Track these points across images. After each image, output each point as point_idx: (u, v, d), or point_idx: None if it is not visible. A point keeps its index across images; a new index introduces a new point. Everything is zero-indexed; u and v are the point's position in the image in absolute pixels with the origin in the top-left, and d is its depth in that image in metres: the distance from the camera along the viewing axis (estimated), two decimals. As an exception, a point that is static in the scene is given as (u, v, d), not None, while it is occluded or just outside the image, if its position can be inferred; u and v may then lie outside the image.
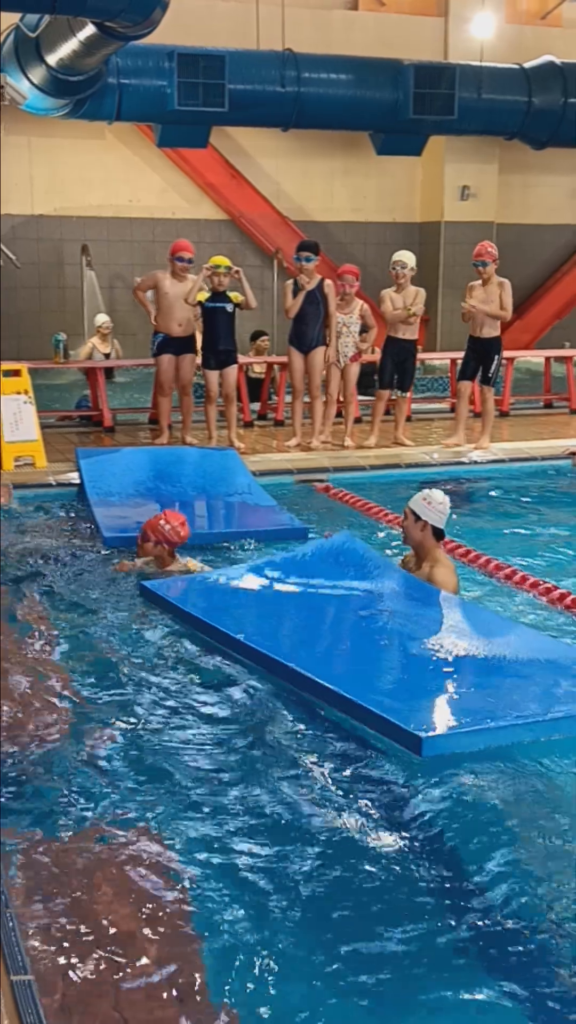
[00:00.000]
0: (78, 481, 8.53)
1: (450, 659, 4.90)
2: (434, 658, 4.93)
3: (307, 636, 5.45)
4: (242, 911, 3.27)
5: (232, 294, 9.87)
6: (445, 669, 4.82)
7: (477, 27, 14.90)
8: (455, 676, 4.78)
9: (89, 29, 9.69)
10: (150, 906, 3.26)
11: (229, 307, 9.88)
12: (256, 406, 12.15)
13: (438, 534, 5.78)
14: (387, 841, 3.67)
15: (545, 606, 6.11)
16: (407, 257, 10.20)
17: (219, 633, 5.28)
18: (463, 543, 7.15)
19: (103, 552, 6.91)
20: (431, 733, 4.13)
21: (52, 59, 10.65)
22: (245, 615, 5.55)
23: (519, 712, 4.33)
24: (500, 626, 5.42)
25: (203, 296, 9.80)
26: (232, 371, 10.01)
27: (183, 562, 6.47)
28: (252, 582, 6.02)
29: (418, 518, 5.71)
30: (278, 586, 5.97)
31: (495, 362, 10.05)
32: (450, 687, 4.70)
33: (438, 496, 5.78)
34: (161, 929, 3.15)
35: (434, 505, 5.71)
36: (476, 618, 5.45)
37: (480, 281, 9.99)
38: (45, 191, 15.15)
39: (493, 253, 9.91)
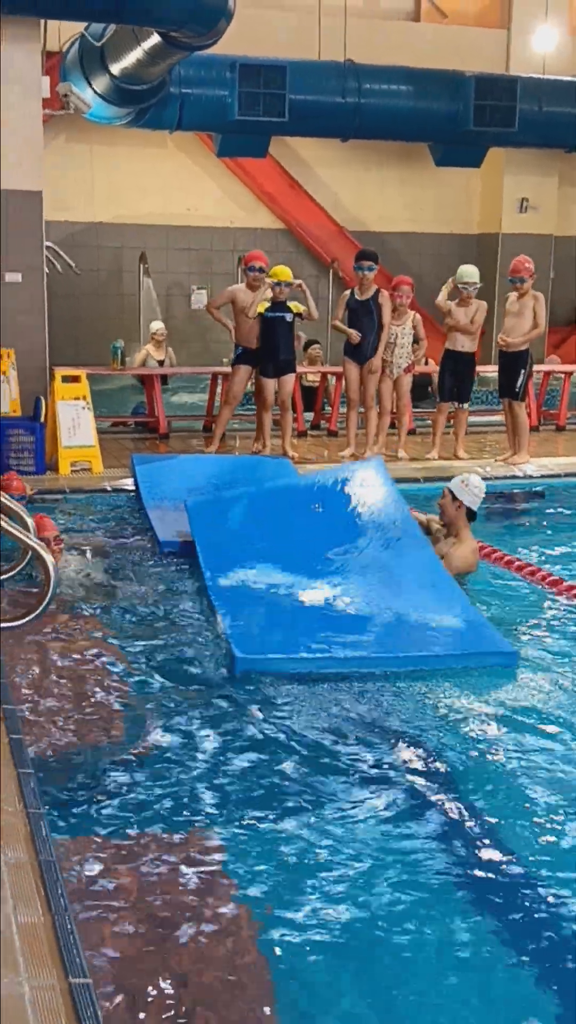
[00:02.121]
0: (133, 487, 8.58)
1: (331, 594, 5.82)
2: (321, 589, 5.86)
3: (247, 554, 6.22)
4: (300, 918, 3.29)
5: (292, 303, 9.88)
6: (315, 603, 5.75)
7: (539, 39, 14.84)
8: (317, 609, 5.68)
9: (154, 39, 9.77)
10: (206, 909, 3.27)
11: (289, 316, 9.95)
12: (309, 415, 12.16)
13: (470, 515, 6.43)
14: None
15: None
16: (475, 275, 10.14)
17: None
18: (511, 553, 7.12)
19: (158, 557, 6.95)
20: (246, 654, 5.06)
21: (116, 68, 10.74)
22: (221, 522, 6.59)
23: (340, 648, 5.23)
24: (421, 577, 6.02)
25: (264, 306, 9.87)
26: (290, 379, 10.05)
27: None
28: (258, 504, 6.90)
29: (455, 498, 6.39)
30: (270, 511, 6.78)
31: (521, 376, 9.97)
32: (301, 617, 5.60)
33: (475, 480, 6.47)
34: (218, 932, 3.17)
35: (470, 488, 6.41)
36: (399, 562, 6.16)
37: (515, 295, 9.94)
38: (106, 199, 15.29)
39: (530, 269, 9.86)
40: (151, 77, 11.00)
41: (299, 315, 9.96)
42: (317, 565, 6.19)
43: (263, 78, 12.72)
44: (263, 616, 5.67)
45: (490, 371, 13.78)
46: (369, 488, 6.88)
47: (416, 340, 10.30)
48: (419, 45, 15.16)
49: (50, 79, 10.41)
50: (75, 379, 9.57)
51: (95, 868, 3.44)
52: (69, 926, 2.92)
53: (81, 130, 14.08)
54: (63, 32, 11.36)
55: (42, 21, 9.84)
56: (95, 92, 11.39)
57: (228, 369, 12.13)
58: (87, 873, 3.41)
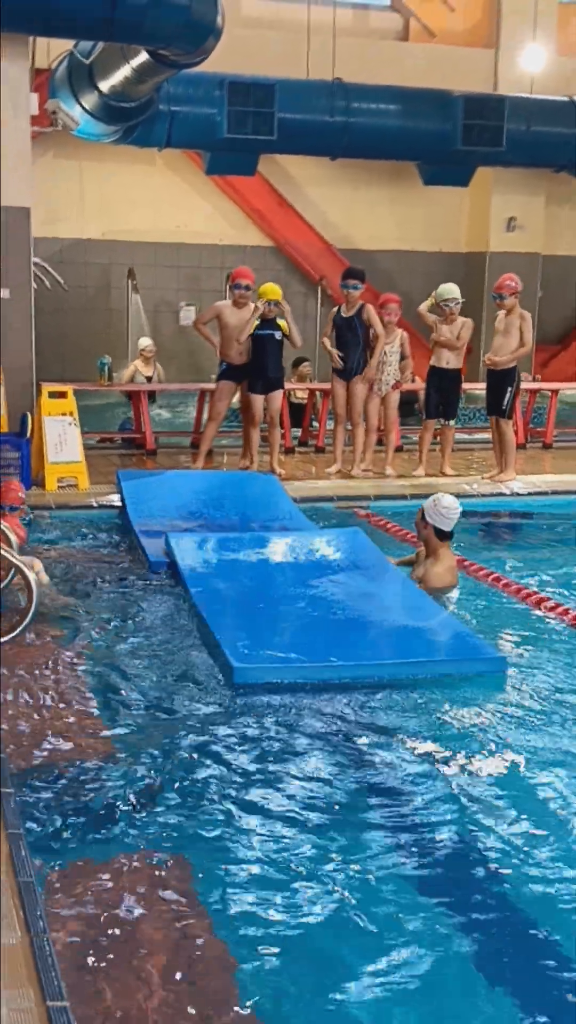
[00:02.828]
0: (120, 503, 8.56)
1: (321, 613, 6.02)
2: (310, 611, 6.05)
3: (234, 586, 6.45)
4: (274, 939, 3.26)
5: (281, 322, 9.91)
6: (308, 620, 5.93)
7: (527, 59, 14.93)
8: (309, 625, 5.85)
9: (142, 56, 9.80)
10: (183, 932, 3.24)
11: (278, 335, 9.94)
12: (297, 432, 12.16)
13: (442, 535, 6.45)
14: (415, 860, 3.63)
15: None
16: (455, 292, 10.16)
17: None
18: (498, 571, 7.12)
19: (146, 575, 6.92)
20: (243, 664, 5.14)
21: (105, 86, 10.77)
22: (207, 564, 6.74)
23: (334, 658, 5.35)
24: (400, 596, 6.26)
25: (253, 324, 9.87)
26: (278, 396, 10.06)
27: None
28: (239, 546, 7.12)
29: (424, 518, 6.43)
30: (252, 553, 7.01)
31: (508, 393, 9.98)
32: (295, 632, 5.74)
33: (444, 501, 6.49)
34: (194, 955, 3.13)
35: (439, 508, 6.44)
36: (383, 588, 6.42)
37: (503, 313, 9.96)
38: (94, 215, 15.31)
39: (512, 286, 9.85)
40: (139, 94, 11.04)
41: (287, 336, 9.97)
42: (300, 592, 6.36)
43: (252, 96, 12.78)
44: (255, 631, 5.72)
45: (478, 388, 13.83)
46: (353, 552, 7.06)
47: (402, 357, 10.32)
48: (408, 64, 15.24)
49: (39, 96, 10.42)
50: (62, 395, 9.54)
51: (74, 889, 3.40)
52: (47, 948, 2.89)
53: (70, 147, 14.11)
54: (52, 49, 11.38)
55: (31, 38, 9.86)
56: (83, 109, 11.42)
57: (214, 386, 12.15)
58: (66, 894, 3.37)
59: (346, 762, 4.43)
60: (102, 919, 3.27)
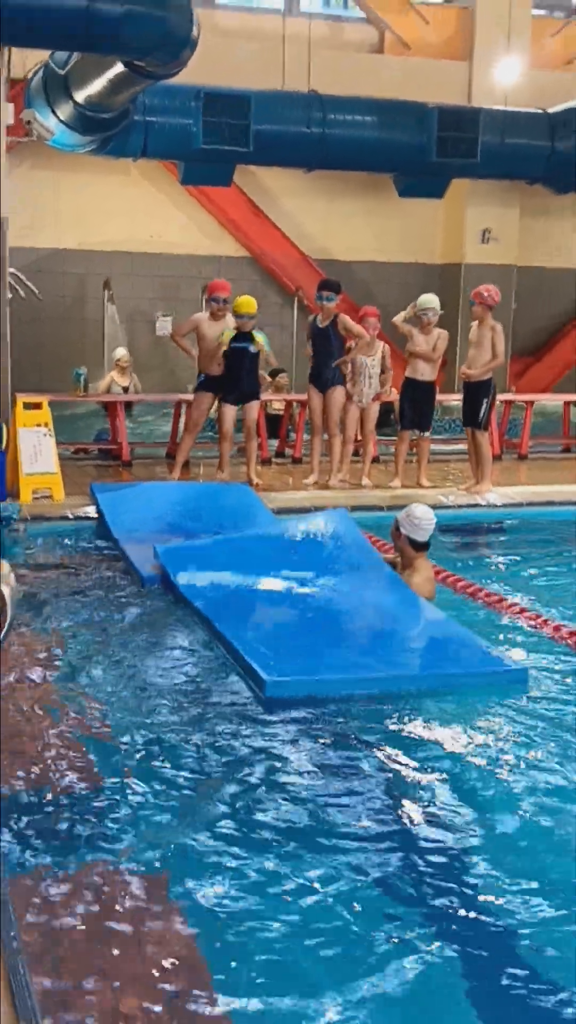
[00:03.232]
0: (95, 515, 8.51)
1: (338, 623, 6.00)
2: (325, 620, 6.00)
3: (239, 595, 6.38)
4: (251, 951, 3.24)
5: (257, 336, 9.88)
6: (326, 630, 5.86)
7: (502, 72, 15.00)
8: (330, 635, 5.80)
9: (118, 67, 9.78)
10: (159, 947, 3.21)
11: (252, 348, 9.91)
12: (275, 443, 12.15)
13: (417, 545, 6.40)
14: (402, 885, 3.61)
15: (551, 641, 6.16)
16: (433, 302, 10.20)
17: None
18: (476, 583, 7.12)
19: (136, 588, 6.87)
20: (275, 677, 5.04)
21: (80, 96, 10.74)
22: (201, 571, 6.67)
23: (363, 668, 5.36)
24: (400, 601, 6.19)
25: (228, 335, 9.82)
26: (254, 406, 10.04)
27: None
28: (232, 551, 7.05)
29: (399, 530, 6.41)
30: (248, 556, 6.91)
31: (484, 405, 10.02)
32: (319, 643, 5.66)
33: (417, 511, 6.42)
34: (171, 968, 3.10)
35: (412, 519, 6.38)
36: (387, 594, 6.31)
37: (475, 325, 10.00)
38: (70, 225, 15.27)
39: (482, 295, 9.88)
40: (115, 105, 11.02)
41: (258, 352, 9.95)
42: (309, 602, 6.30)
43: (227, 108, 12.78)
44: (279, 644, 5.65)
45: (453, 400, 13.89)
46: (337, 537, 7.11)
47: (383, 370, 10.33)
48: (383, 76, 15.30)
49: (15, 106, 10.40)
50: (37, 406, 9.50)
51: (50, 907, 3.35)
52: (21, 969, 2.85)
53: (46, 157, 14.06)
54: (28, 60, 11.35)
55: (6, 48, 9.83)
56: (59, 119, 11.39)
57: (190, 396, 12.13)
58: (41, 913, 3.33)
59: (368, 775, 4.39)
60: (78, 935, 3.23)
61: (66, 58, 10.51)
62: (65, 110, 11.17)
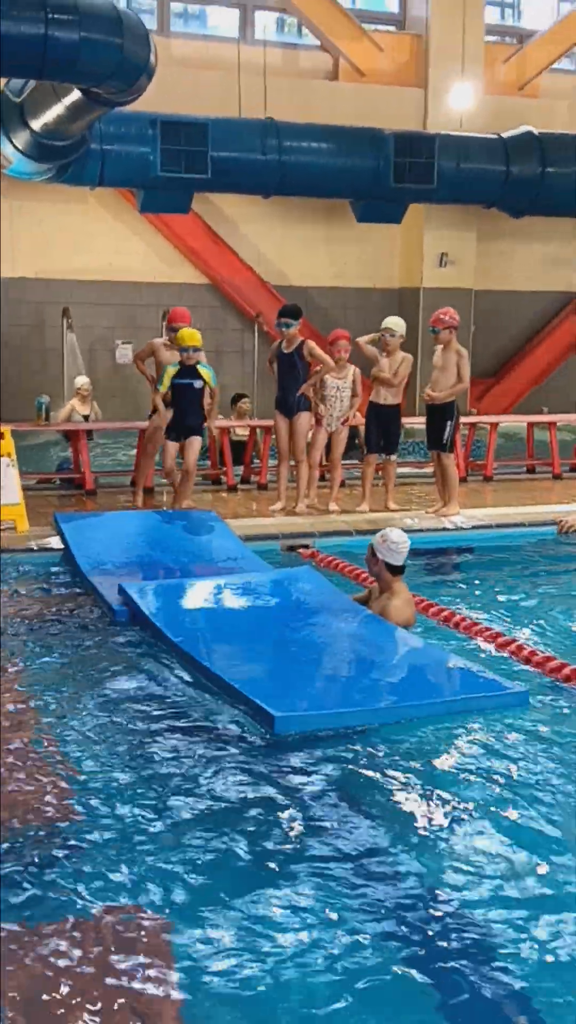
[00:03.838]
0: (60, 546, 8.37)
1: (329, 658, 5.93)
2: (316, 656, 5.93)
3: (225, 638, 6.17)
4: (235, 999, 3.11)
5: (202, 370, 9.58)
6: (321, 665, 5.82)
7: (456, 98, 15.15)
8: (326, 670, 5.78)
9: (74, 95, 9.75)
10: (140, 993, 3.09)
11: (198, 383, 9.56)
12: (239, 469, 12.07)
13: (394, 569, 6.37)
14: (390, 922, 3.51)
15: (510, 660, 6.12)
16: (396, 324, 10.19)
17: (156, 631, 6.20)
18: (445, 606, 7.06)
19: (105, 622, 6.73)
20: (284, 713, 4.88)
21: (36, 124, 10.69)
22: (182, 614, 6.57)
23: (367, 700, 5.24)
24: (384, 633, 6.14)
25: (171, 373, 9.46)
26: (195, 442, 9.78)
27: None
28: (204, 591, 7.00)
29: (375, 555, 6.34)
30: (222, 597, 6.88)
31: (448, 427, 10.02)
32: (317, 678, 5.61)
33: (393, 535, 6.37)
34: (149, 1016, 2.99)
35: (388, 544, 6.33)
36: (370, 628, 6.23)
37: (440, 348, 10.02)
38: (27, 254, 15.17)
39: (445, 320, 9.89)
40: (72, 133, 10.98)
41: (207, 384, 9.62)
42: (296, 639, 6.16)
43: (184, 135, 12.79)
44: (277, 680, 5.51)
45: (417, 423, 13.92)
46: (310, 583, 7.12)
47: (354, 394, 10.29)
48: (338, 103, 15.40)
49: (-30, 135, 10.33)
50: (-1, 436, 9.35)
51: (36, 956, 3.22)
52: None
53: (2, 185, 13.97)
54: (-17, 88, 11.28)
55: (-39, 77, 9.77)
56: (15, 147, 11.33)
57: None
58: (25, 963, 3.20)
59: (378, 807, 4.27)
60: (63, 986, 3.10)
61: (22, 86, 10.46)
62: (21, 138, 11.12)
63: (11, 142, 11.31)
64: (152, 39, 9.38)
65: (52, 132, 10.78)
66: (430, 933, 3.45)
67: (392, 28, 16.84)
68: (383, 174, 13.74)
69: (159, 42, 11.50)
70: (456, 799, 4.32)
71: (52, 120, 10.48)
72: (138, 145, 12.77)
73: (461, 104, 15.02)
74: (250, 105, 13.70)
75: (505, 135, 14.41)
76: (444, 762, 4.70)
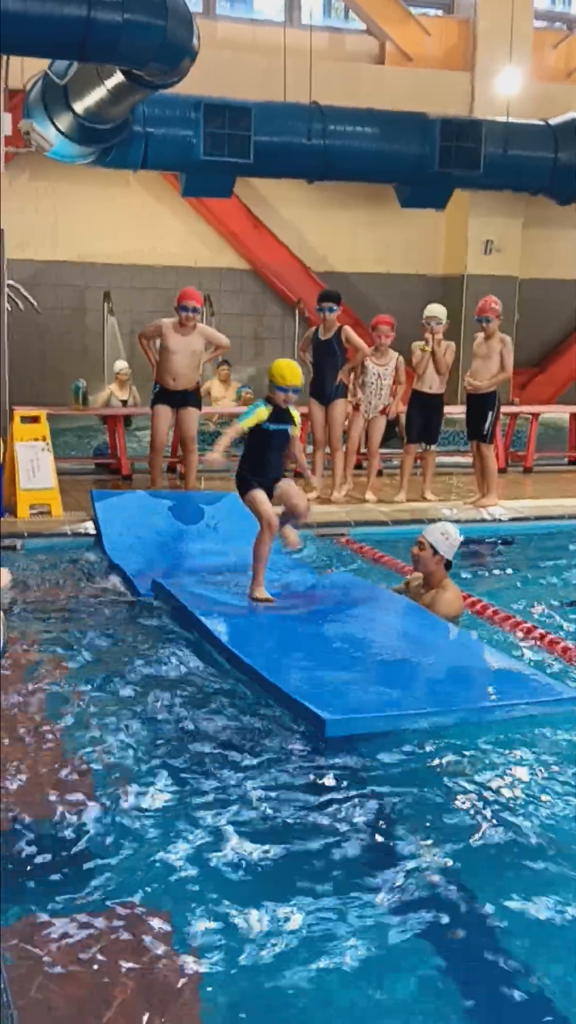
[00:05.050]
0: (94, 531, 8.35)
1: (382, 658, 5.66)
2: (368, 655, 5.69)
3: (269, 637, 6.03)
4: (250, 997, 3.07)
5: (294, 413, 6.89)
6: (372, 665, 5.58)
7: (503, 83, 14.91)
8: (378, 671, 5.51)
9: (117, 77, 9.68)
10: (156, 989, 3.04)
11: (293, 431, 6.92)
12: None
13: (448, 564, 6.35)
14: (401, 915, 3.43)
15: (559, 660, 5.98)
16: (441, 312, 10.05)
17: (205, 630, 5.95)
18: (485, 600, 6.96)
19: (126, 606, 6.71)
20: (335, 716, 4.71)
21: (79, 107, 10.64)
22: (229, 616, 6.21)
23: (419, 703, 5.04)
24: (440, 632, 5.98)
25: (264, 413, 6.70)
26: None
27: None
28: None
29: (435, 551, 6.24)
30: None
31: (489, 418, 9.86)
32: (369, 679, 5.35)
33: (453, 531, 6.36)
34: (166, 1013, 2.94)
35: (451, 540, 6.29)
36: (422, 626, 6.04)
37: (482, 336, 9.86)
38: (69, 238, 15.16)
39: (497, 309, 9.75)
40: (115, 116, 10.91)
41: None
42: (344, 638, 5.91)
43: (228, 118, 12.68)
44: (329, 681, 5.24)
45: (457, 412, 13.76)
46: (351, 584, 7.09)
47: (395, 382, 10.16)
48: (384, 88, 15.23)
49: (12, 117, 10.28)
50: (35, 419, 9.35)
51: (45, 952, 3.18)
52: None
53: (45, 169, 13.98)
54: (27, 69, 11.25)
55: (5, 58, 9.72)
56: (58, 130, 11.29)
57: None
58: (34, 958, 3.15)
59: (427, 810, 4.16)
60: (68, 977, 3.06)
61: (65, 68, 10.41)
62: (64, 121, 11.07)
63: (54, 125, 11.26)
64: (195, 21, 9.28)
65: (95, 115, 10.73)
66: (464, 948, 3.37)
67: (440, 12, 16.63)
68: (428, 159, 13.55)
69: (204, 25, 11.42)
70: (505, 809, 4.17)
71: (95, 103, 10.41)
72: (181, 128, 12.68)
73: (508, 89, 14.77)
74: (295, 89, 13.56)
75: (553, 122, 14.18)
76: (495, 769, 4.52)
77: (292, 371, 6.65)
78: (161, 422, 9.76)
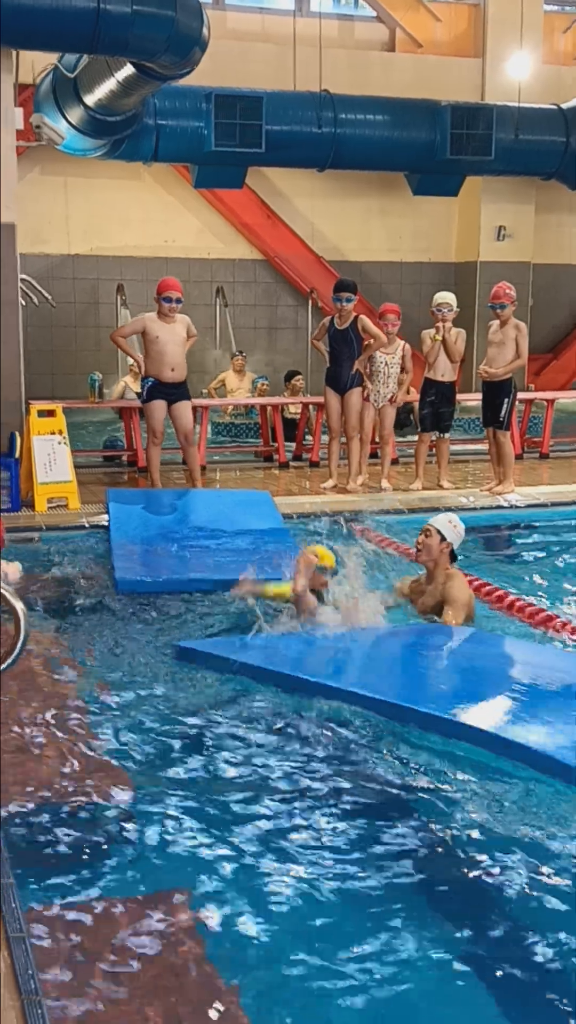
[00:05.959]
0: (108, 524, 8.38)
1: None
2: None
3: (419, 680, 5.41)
4: (276, 982, 3.10)
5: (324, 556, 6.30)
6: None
7: (514, 68, 14.83)
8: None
9: (128, 69, 9.68)
10: (181, 976, 3.07)
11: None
12: (291, 446, 12.01)
13: (454, 554, 6.25)
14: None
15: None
16: (451, 299, 10.03)
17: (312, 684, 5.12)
18: (502, 587, 6.95)
19: (136, 602, 6.70)
20: None
21: (90, 99, 10.65)
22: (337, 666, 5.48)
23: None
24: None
25: (284, 590, 6.26)
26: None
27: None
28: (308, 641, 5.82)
29: (443, 538, 6.15)
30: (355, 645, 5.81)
31: (505, 404, 9.83)
32: None
33: (459, 520, 6.33)
34: (192, 997, 2.97)
35: (458, 529, 6.25)
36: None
37: (497, 324, 9.82)
38: (81, 231, 15.17)
39: (511, 295, 9.71)
40: (125, 108, 10.92)
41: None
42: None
43: (239, 109, 12.67)
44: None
45: (472, 400, 13.73)
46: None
47: (403, 370, 10.16)
48: (394, 75, 15.18)
49: (24, 111, 10.29)
50: (51, 413, 9.38)
51: (67, 941, 3.21)
52: (40, 1011, 2.71)
53: (56, 162, 13.99)
54: (36, 64, 11.25)
55: (15, 52, 9.72)
56: (69, 123, 11.30)
57: (207, 401, 12.00)
58: (60, 944, 3.18)
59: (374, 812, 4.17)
60: (98, 971, 3.08)
61: (75, 61, 10.42)
62: (75, 114, 11.09)
63: (65, 118, 11.28)
64: (205, 12, 9.27)
65: (106, 107, 10.74)
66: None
67: (450, -3, 16.54)
68: (440, 146, 13.54)
69: (214, 15, 11.41)
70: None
71: (106, 95, 10.43)
72: (192, 120, 12.69)
73: (519, 74, 14.68)
74: (305, 78, 13.53)
75: (564, 106, 14.14)
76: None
77: (325, 555, 6.21)
78: (158, 418, 9.64)
